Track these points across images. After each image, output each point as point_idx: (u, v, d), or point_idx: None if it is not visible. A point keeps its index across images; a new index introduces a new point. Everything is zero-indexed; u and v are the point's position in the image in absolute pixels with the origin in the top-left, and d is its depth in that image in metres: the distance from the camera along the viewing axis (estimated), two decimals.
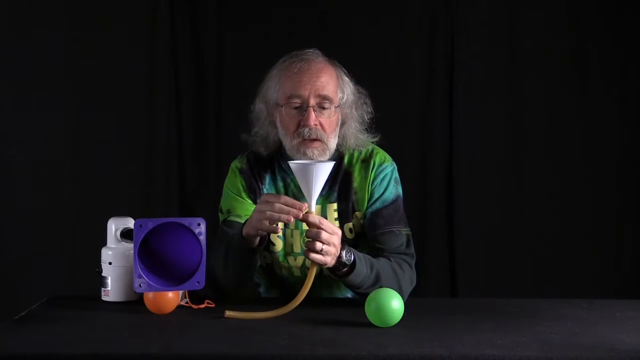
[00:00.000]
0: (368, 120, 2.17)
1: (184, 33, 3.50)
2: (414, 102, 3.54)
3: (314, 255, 1.83)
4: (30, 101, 3.44)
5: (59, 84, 3.46)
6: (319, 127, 2.05)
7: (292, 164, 1.85)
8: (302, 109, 2.06)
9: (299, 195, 2.11)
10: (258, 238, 1.93)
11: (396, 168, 2.17)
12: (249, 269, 2.01)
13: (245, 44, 3.48)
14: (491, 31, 3.53)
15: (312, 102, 2.05)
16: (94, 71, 3.46)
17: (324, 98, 2.06)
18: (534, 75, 3.53)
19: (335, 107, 2.08)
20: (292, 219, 1.81)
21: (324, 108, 2.06)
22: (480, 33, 3.53)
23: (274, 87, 2.10)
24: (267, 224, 1.85)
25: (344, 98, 2.11)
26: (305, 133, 2.05)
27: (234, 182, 2.16)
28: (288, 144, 2.08)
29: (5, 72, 3.44)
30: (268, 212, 1.83)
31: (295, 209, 1.81)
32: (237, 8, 3.52)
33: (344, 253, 1.89)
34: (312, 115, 2.05)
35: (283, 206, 1.82)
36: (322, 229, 1.82)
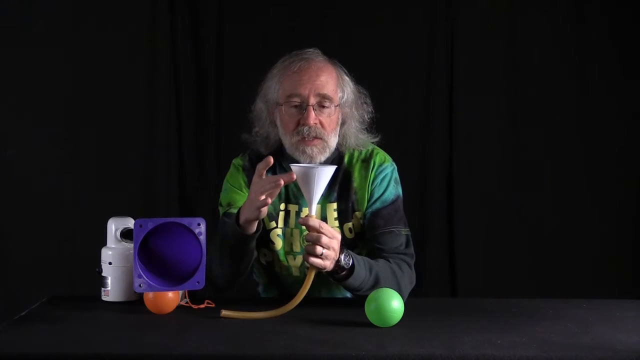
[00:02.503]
0: (368, 120, 2.18)
1: (184, 33, 3.50)
2: (414, 102, 3.54)
3: (313, 259, 1.83)
4: (30, 101, 3.45)
5: (59, 84, 3.46)
6: (318, 125, 2.06)
7: (294, 167, 1.85)
8: (302, 107, 2.06)
9: (298, 195, 2.11)
10: (255, 224, 1.93)
11: (396, 168, 2.17)
12: (242, 260, 2.00)
13: (246, 43, 3.48)
14: (491, 31, 3.53)
15: (312, 101, 2.05)
16: (94, 71, 3.46)
17: (324, 97, 2.06)
18: (534, 75, 3.53)
19: (335, 106, 2.09)
20: (282, 182, 1.81)
21: (323, 107, 2.07)
22: (480, 33, 3.53)
23: (274, 87, 2.11)
24: (264, 197, 1.83)
25: (344, 97, 2.11)
26: (305, 132, 2.05)
27: (235, 177, 2.16)
28: (288, 142, 2.08)
29: (5, 72, 3.44)
30: (261, 186, 1.83)
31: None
32: (237, 8, 3.52)
33: (342, 257, 1.90)
34: (312, 114, 2.05)
35: (272, 179, 1.83)
36: (322, 233, 1.83)
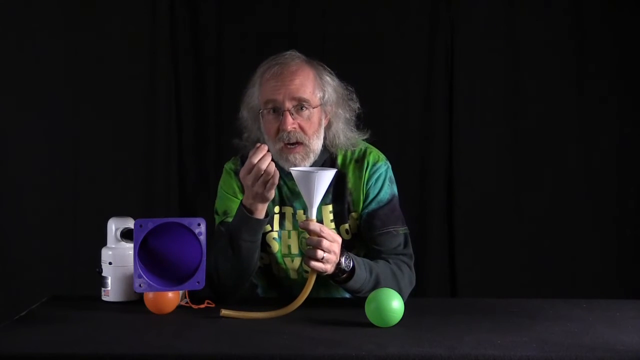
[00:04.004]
0: (355, 117, 2.15)
1: (184, 33, 3.50)
2: (414, 102, 3.54)
3: (314, 264, 1.83)
4: (30, 100, 3.44)
5: (59, 84, 3.45)
6: (298, 130, 2.04)
7: (294, 171, 1.85)
8: (279, 113, 2.04)
9: (292, 197, 2.11)
10: (264, 209, 1.94)
11: (390, 167, 2.15)
12: (253, 254, 1.98)
13: (246, 43, 3.48)
14: (491, 31, 3.53)
15: (288, 105, 2.03)
16: (94, 71, 3.45)
17: (300, 100, 2.04)
18: (534, 75, 3.53)
19: (314, 108, 2.06)
20: (264, 146, 1.90)
21: (301, 109, 2.05)
22: (480, 33, 3.52)
23: (255, 94, 2.10)
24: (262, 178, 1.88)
25: (325, 97, 2.09)
26: (285, 137, 2.03)
27: (229, 183, 2.15)
28: (272, 148, 2.04)
29: (5, 71, 3.44)
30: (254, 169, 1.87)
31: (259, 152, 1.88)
32: (237, 6, 3.52)
33: (343, 260, 1.89)
34: (289, 119, 2.03)
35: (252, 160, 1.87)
36: (323, 237, 1.83)
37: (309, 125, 2.05)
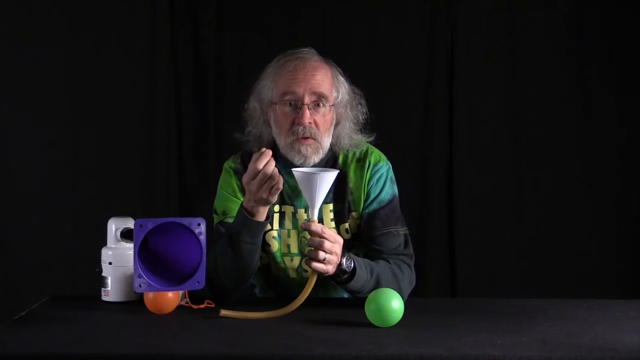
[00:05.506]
0: (362, 121, 2.16)
1: (184, 33, 3.50)
2: (414, 103, 3.54)
3: (316, 264, 1.83)
4: (30, 100, 3.44)
5: (60, 85, 3.46)
6: (313, 125, 2.04)
7: (296, 171, 1.85)
8: (297, 107, 2.04)
9: (293, 196, 2.11)
10: (265, 211, 1.94)
11: (391, 167, 2.16)
12: (254, 255, 1.97)
13: (246, 43, 3.48)
14: (491, 31, 3.53)
15: (307, 100, 2.04)
16: (94, 72, 3.45)
17: (320, 96, 2.05)
18: (534, 76, 3.53)
19: (330, 106, 2.07)
20: (269, 151, 1.88)
21: (318, 106, 2.05)
22: (480, 33, 3.53)
23: (268, 86, 2.09)
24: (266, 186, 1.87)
25: (339, 97, 2.10)
26: (299, 131, 2.03)
27: (228, 182, 2.15)
28: (282, 142, 2.07)
29: (5, 71, 3.44)
30: (258, 176, 1.86)
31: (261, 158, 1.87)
32: (237, 8, 3.52)
33: (344, 260, 1.89)
34: (307, 113, 2.03)
35: (257, 166, 1.86)
36: (324, 238, 1.83)
37: (323, 122, 2.06)
